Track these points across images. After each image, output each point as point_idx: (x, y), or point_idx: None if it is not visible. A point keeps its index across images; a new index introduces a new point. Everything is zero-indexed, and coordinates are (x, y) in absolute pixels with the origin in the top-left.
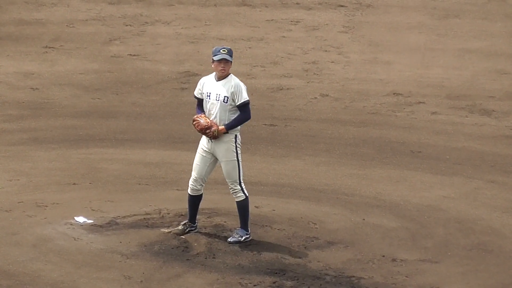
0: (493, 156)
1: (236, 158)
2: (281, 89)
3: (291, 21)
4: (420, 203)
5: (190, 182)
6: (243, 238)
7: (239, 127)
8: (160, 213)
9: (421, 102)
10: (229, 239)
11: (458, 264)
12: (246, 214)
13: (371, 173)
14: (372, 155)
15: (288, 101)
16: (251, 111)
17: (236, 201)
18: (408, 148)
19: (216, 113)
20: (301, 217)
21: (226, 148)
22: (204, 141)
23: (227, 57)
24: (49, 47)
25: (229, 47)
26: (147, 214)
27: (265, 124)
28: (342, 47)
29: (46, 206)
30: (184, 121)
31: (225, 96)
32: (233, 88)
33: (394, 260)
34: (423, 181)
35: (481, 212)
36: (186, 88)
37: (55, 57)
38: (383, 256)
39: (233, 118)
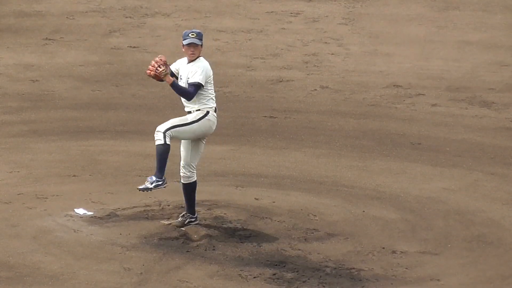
0: (493, 148)
1: (191, 120)
2: (281, 81)
3: (291, 13)
4: (420, 195)
5: (180, 170)
6: (153, 184)
7: (213, 105)
8: (160, 205)
9: (421, 94)
10: (138, 187)
11: (458, 256)
12: (161, 159)
13: (371, 165)
14: (372, 147)
15: (288, 93)
16: (251, 103)
17: (156, 144)
18: (408, 140)
19: None
20: (301, 209)
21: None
22: None
23: (196, 40)
24: (49, 39)
25: (199, 31)
26: (147, 206)
27: (265, 116)
28: (342, 39)
29: (46, 198)
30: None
31: (186, 77)
32: (192, 67)
33: (394, 252)
34: (423, 173)
35: (481, 204)
36: None
37: (55, 49)
38: (383, 248)
39: (202, 100)
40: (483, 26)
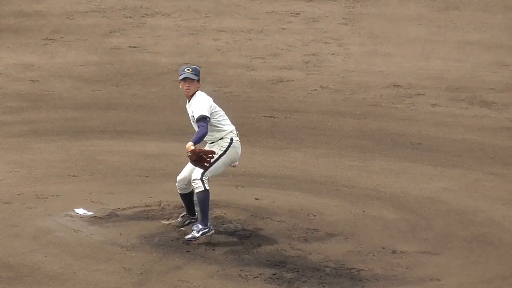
0: (493, 148)
1: (219, 154)
2: (281, 81)
3: (291, 13)
4: (420, 195)
5: (176, 183)
6: (200, 233)
7: (232, 128)
8: (160, 205)
9: (421, 94)
10: (186, 236)
11: (458, 256)
12: (204, 207)
13: (371, 165)
14: (372, 147)
15: (288, 93)
16: (251, 103)
17: (195, 192)
18: (408, 140)
19: None
20: (301, 209)
21: (217, 145)
22: None
23: (191, 75)
24: (49, 39)
25: (195, 66)
26: (147, 206)
27: (265, 116)
28: (342, 39)
29: (46, 198)
30: (183, 113)
31: (191, 116)
32: (191, 105)
33: (394, 252)
34: (423, 173)
35: (481, 204)
36: None
37: (55, 49)
38: (383, 248)
39: (218, 127)
40: (483, 26)
